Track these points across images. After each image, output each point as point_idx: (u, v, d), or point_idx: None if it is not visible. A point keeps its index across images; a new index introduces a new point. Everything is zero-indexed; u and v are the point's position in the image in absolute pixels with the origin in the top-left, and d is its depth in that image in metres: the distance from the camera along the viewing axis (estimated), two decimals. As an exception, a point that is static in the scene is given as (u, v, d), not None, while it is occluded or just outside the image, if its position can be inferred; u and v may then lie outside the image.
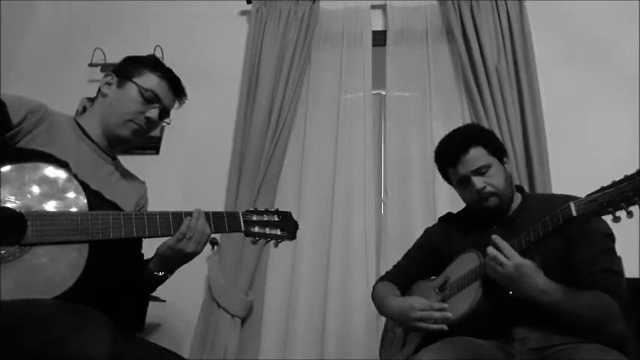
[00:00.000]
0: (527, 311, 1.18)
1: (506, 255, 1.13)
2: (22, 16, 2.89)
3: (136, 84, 1.28)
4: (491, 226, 1.37)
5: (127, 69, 1.31)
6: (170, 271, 1.24)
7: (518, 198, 1.41)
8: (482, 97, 2.25)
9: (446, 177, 1.49)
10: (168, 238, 1.18)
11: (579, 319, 1.13)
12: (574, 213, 1.06)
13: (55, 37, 2.91)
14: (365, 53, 2.52)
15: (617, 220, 1.00)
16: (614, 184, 1.02)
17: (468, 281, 1.28)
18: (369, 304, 2.02)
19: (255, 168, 2.28)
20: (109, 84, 1.31)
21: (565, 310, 1.12)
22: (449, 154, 1.40)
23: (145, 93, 1.28)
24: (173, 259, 1.20)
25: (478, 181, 1.33)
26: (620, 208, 0.99)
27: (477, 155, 1.35)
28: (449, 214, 1.59)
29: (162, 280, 1.24)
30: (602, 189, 1.03)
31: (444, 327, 1.24)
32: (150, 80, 1.30)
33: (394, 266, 1.65)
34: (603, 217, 1.09)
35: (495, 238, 1.17)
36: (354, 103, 2.44)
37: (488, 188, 1.33)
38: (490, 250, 1.16)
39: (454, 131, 1.49)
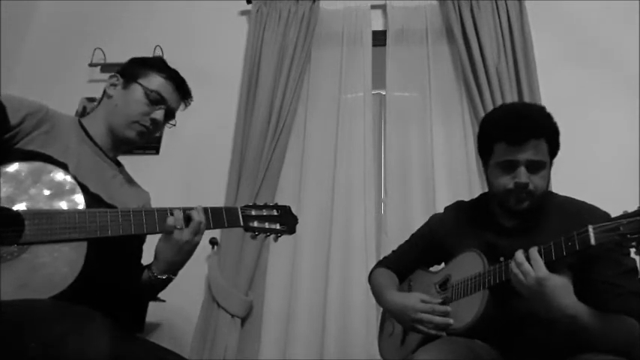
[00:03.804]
0: (532, 327, 1.16)
1: (532, 265, 1.03)
2: (22, 16, 2.89)
3: (142, 85, 1.28)
4: (505, 227, 1.28)
5: (132, 70, 1.31)
6: (174, 272, 1.21)
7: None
8: (482, 97, 2.24)
9: (485, 147, 1.28)
10: (161, 236, 1.16)
11: (606, 346, 1.04)
12: (592, 241, 0.95)
13: (55, 37, 2.91)
14: (365, 53, 2.52)
15: None
16: None
17: (471, 289, 1.23)
18: (369, 304, 2.03)
19: (255, 168, 2.28)
20: (114, 85, 1.31)
21: (593, 336, 1.03)
22: (517, 130, 1.18)
23: (151, 94, 1.28)
24: (173, 255, 1.16)
25: (524, 175, 1.17)
26: None
27: (542, 148, 1.19)
28: (459, 203, 1.50)
29: (166, 282, 1.22)
30: (627, 215, 0.91)
31: (443, 334, 1.22)
32: (155, 81, 1.30)
33: (394, 251, 1.61)
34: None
35: (532, 250, 1.06)
36: (354, 103, 2.44)
37: (530, 186, 1.18)
38: (518, 255, 1.07)
39: (529, 107, 1.29)
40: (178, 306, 2.15)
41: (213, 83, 2.51)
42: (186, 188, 2.41)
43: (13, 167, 1.02)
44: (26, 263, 0.96)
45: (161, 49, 2.64)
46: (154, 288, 1.23)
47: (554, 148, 1.23)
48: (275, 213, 1.31)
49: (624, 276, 1.12)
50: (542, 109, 1.28)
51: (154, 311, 1.80)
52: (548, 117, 1.26)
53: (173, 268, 1.20)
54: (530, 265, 1.04)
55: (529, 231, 1.22)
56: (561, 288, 1.02)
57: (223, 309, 2.07)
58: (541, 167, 1.19)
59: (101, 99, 1.33)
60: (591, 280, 1.11)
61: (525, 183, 1.17)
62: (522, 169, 1.18)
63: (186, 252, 1.17)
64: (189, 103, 1.41)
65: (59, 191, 1.04)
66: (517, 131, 1.18)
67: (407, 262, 1.55)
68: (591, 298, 1.06)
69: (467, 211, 1.44)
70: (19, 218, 0.97)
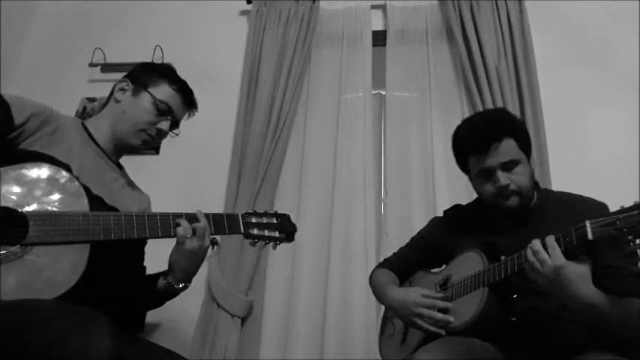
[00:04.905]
0: (532, 325, 1.17)
1: (549, 253, 1.02)
2: (22, 16, 2.88)
3: (151, 94, 1.29)
4: (503, 227, 1.30)
5: (143, 77, 1.32)
6: (189, 280, 1.25)
7: (533, 195, 1.31)
8: (483, 97, 2.24)
9: (462, 163, 1.36)
10: (173, 247, 1.19)
11: (622, 332, 1.04)
12: (590, 236, 0.97)
13: (55, 37, 2.91)
14: (365, 53, 2.52)
15: (637, 247, 0.91)
16: (638, 206, 0.91)
17: (471, 287, 1.25)
18: (370, 304, 2.03)
19: (255, 168, 2.28)
20: (123, 90, 1.31)
21: (611, 323, 1.03)
22: (478, 141, 1.24)
23: (160, 105, 1.29)
24: (188, 263, 1.20)
25: (503, 177, 1.21)
26: None
27: (509, 147, 1.22)
28: (457, 206, 1.53)
29: (183, 290, 1.25)
30: (624, 210, 0.93)
31: (443, 332, 1.23)
32: (165, 92, 1.31)
33: (394, 254, 1.62)
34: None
35: (549, 238, 1.04)
36: (354, 103, 2.44)
37: (512, 186, 1.22)
38: (535, 243, 1.05)
39: (485, 114, 1.35)
40: (178, 306, 2.14)
41: (213, 83, 2.50)
42: (186, 188, 2.41)
43: (15, 167, 1.03)
44: (29, 264, 0.97)
45: (161, 49, 2.64)
46: (168, 296, 1.27)
47: (523, 142, 1.27)
48: (274, 221, 1.33)
49: (626, 259, 1.13)
50: (500, 110, 1.36)
51: (154, 311, 1.80)
52: (506, 116, 1.33)
53: (189, 275, 1.24)
54: (547, 253, 1.03)
55: (527, 228, 1.23)
56: (579, 276, 1.01)
57: (223, 309, 2.06)
58: (515, 165, 1.23)
59: (107, 101, 1.33)
60: (595, 267, 1.10)
61: (506, 185, 1.22)
62: (499, 173, 1.22)
63: (199, 258, 1.21)
64: (194, 114, 1.44)
65: (62, 193, 1.05)
66: (478, 141, 1.24)
67: (407, 264, 1.56)
68: (595, 283, 1.05)
69: (465, 214, 1.46)
70: (23, 219, 0.98)
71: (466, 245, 1.34)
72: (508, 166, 1.23)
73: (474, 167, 1.29)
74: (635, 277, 1.12)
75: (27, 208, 1.00)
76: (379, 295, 1.51)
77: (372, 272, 1.60)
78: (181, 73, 1.41)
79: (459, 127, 1.36)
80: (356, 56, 2.52)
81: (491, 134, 1.23)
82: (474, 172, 1.31)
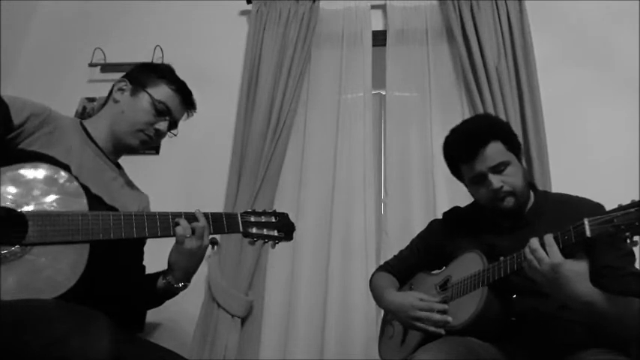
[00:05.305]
0: (531, 324, 1.17)
1: (547, 251, 1.03)
2: (22, 16, 2.89)
3: (150, 95, 1.29)
4: (503, 228, 1.31)
5: (141, 77, 1.32)
6: (188, 279, 1.25)
7: (531, 196, 1.33)
8: (483, 97, 2.24)
9: (455, 172, 1.39)
10: (172, 246, 1.19)
11: (621, 331, 1.04)
12: (588, 233, 0.98)
13: (55, 37, 2.91)
14: (365, 53, 2.52)
15: (634, 244, 0.93)
16: (635, 204, 0.92)
17: (470, 287, 1.25)
18: (370, 304, 2.03)
19: (255, 168, 2.28)
20: (121, 90, 1.31)
21: (609, 322, 1.03)
22: (465, 148, 1.28)
23: (158, 105, 1.29)
24: (187, 263, 1.20)
25: (495, 180, 1.24)
26: (639, 233, 0.90)
27: (496, 150, 1.25)
28: (456, 208, 1.54)
29: (182, 289, 1.26)
30: (621, 208, 0.95)
31: (442, 332, 1.24)
32: (163, 92, 1.31)
33: (395, 256, 1.63)
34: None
35: (547, 237, 1.05)
36: (354, 103, 2.44)
37: (506, 188, 1.24)
38: (533, 241, 1.06)
39: (469, 122, 1.38)
40: (178, 306, 2.14)
41: (213, 83, 2.51)
42: (186, 188, 2.41)
43: (15, 167, 1.03)
44: (29, 264, 0.97)
45: (161, 49, 2.64)
46: (167, 295, 1.27)
47: (511, 143, 1.29)
48: (273, 220, 1.33)
49: (624, 259, 1.15)
50: (483, 116, 1.45)
51: (153, 311, 1.81)
52: (490, 120, 1.38)
53: (188, 275, 1.24)
54: (544, 251, 1.03)
55: (526, 229, 1.24)
56: (576, 274, 1.01)
57: (223, 309, 2.07)
58: (505, 166, 1.26)
59: (106, 101, 1.33)
60: (593, 267, 1.10)
61: (499, 187, 1.24)
62: (490, 176, 1.25)
63: (198, 257, 1.21)
64: (192, 114, 1.44)
65: (61, 192, 1.05)
66: (464, 149, 1.28)
67: (407, 266, 1.57)
68: (593, 282, 1.06)
69: (464, 216, 1.48)
70: (23, 219, 0.98)
71: (466, 246, 1.35)
72: (498, 168, 1.25)
73: (467, 174, 1.32)
74: (632, 276, 1.13)
75: (26, 208, 1.00)
76: (378, 298, 1.52)
77: (372, 276, 1.62)
78: (181, 74, 1.41)
79: (446, 138, 1.39)
80: (356, 56, 2.52)
81: (476, 140, 1.26)
82: (467, 179, 1.34)
